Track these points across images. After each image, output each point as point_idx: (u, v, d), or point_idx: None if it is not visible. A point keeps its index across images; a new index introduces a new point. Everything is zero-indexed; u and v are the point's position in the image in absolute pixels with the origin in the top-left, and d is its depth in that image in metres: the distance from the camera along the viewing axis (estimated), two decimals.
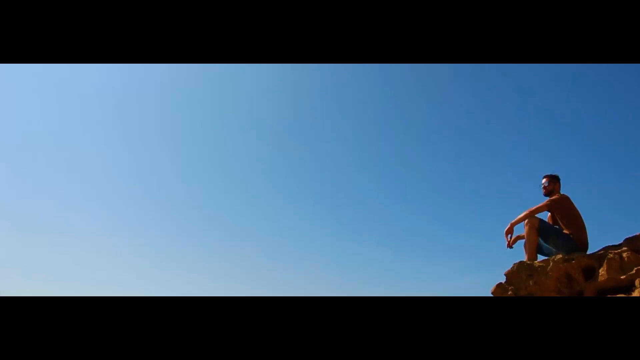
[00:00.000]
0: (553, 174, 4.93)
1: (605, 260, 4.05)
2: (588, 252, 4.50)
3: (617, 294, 3.92)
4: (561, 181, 4.93)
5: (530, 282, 4.38)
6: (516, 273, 4.52)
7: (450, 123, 33.03)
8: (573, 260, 4.25)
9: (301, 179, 38.41)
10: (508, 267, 4.60)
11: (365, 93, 33.72)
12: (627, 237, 4.26)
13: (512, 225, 4.75)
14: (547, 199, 4.81)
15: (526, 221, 4.69)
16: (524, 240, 4.79)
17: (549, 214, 4.98)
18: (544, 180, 4.94)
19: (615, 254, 4.04)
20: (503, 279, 4.62)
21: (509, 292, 4.50)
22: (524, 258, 4.69)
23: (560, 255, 4.35)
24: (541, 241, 4.75)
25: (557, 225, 4.81)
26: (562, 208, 4.70)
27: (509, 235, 4.81)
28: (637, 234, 4.23)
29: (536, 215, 4.73)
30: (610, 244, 4.37)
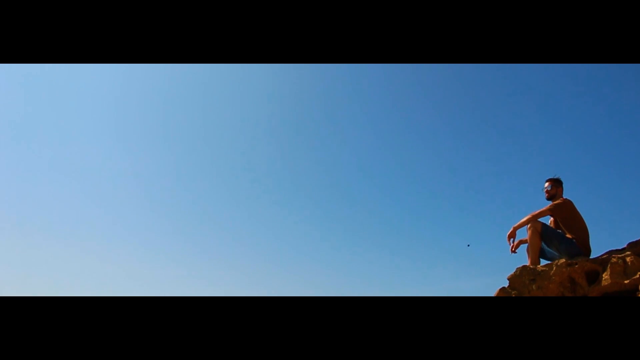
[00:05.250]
0: (556, 177, 4.92)
1: (609, 265, 4.04)
2: (591, 257, 4.48)
3: None
4: (564, 185, 4.91)
5: (534, 287, 4.36)
6: (519, 277, 4.50)
7: (452, 124, 32.99)
8: (576, 264, 4.23)
9: (301, 179, 38.36)
10: (511, 272, 4.58)
11: (365, 93, 33.74)
12: (631, 241, 4.24)
13: (515, 229, 4.74)
14: (550, 203, 4.80)
15: (529, 225, 4.68)
16: (526, 245, 4.78)
17: (552, 218, 4.96)
18: (546, 184, 4.93)
19: (618, 258, 4.02)
20: (506, 284, 4.60)
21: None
22: (527, 262, 4.67)
23: (563, 260, 4.33)
24: (544, 245, 4.73)
25: (559, 230, 4.79)
26: (565, 212, 4.68)
27: (512, 240, 4.80)
28: None
29: (539, 220, 4.71)
30: (614, 248, 4.35)
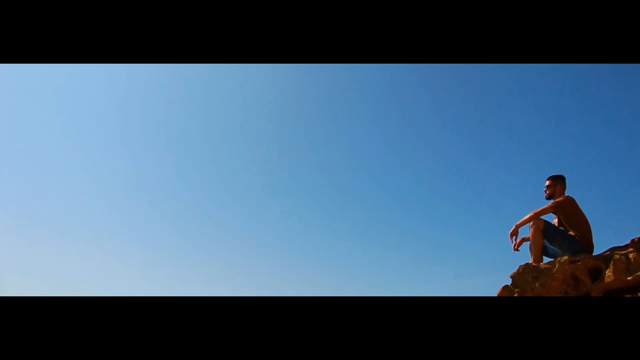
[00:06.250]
0: (557, 174, 4.90)
1: (612, 261, 4.03)
2: (594, 254, 4.47)
3: (624, 294, 3.89)
4: (567, 181, 4.89)
5: (537, 284, 4.36)
6: (522, 275, 4.50)
7: (453, 124, 32.95)
8: (579, 261, 4.23)
9: (301, 179, 38.38)
10: (513, 269, 4.58)
11: (365, 93, 33.72)
12: (633, 237, 4.23)
13: (517, 227, 4.73)
14: (551, 201, 4.79)
15: (531, 223, 4.67)
16: (529, 242, 4.77)
17: (555, 215, 4.95)
18: (546, 183, 4.91)
19: (621, 254, 4.02)
20: (509, 282, 4.60)
21: (515, 295, 4.47)
22: (530, 260, 4.67)
23: (566, 257, 4.32)
24: (546, 243, 4.73)
25: (562, 227, 4.78)
26: (567, 209, 4.67)
27: (514, 237, 4.79)
28: None
29: (541, 217, 4.70)
30: (616, 245, 4.34)
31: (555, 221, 4.97)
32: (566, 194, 4.78)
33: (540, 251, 4.66)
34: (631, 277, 3.89)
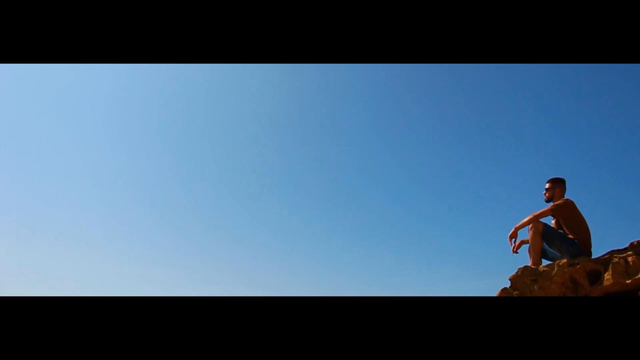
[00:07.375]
0: (557, 177, 4.91)
1: (611, 265, 4.03)
2: (593, 257, 4.47)
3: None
4: (567, 183, 4.90)
5: (535, 287, 4.35)
6: (521, 277, 4.50)
7: (452, 124, 32.94)
8: (578, 264, 4.22)
9: (301, 179, 38.35)
10: (512, 272, 4.58)
11: (365, 93, 33.74)
12: (632, 241, 4.23)
13: (516, 229, 4.74)
14: (551, 203, 4.80)
15: (530, 225, 4.67)
16: (528, 245, 4.77)
17: (554, 218, 4.95)
18: (546, 186, 4.92)
19: (620, 258, 4.01)
20: (508, 284, 4.60)
21: None
22: (529, 263, 4.67)
23: (565, 260, 4.32)
24: (545, 246, 4.73)
25: (561, 230, 4.78)
26: (566, 212, 4.67)
27: (513, 240, 4.80)
28: None
29: (540, 220, 4.70)
30: (615, 248, 4.34)
31: (553, 223, 4.97)
32: (566, 197, 4.79)
33: (539, 254, 4.66)
34: (630, 281, 3.89)
